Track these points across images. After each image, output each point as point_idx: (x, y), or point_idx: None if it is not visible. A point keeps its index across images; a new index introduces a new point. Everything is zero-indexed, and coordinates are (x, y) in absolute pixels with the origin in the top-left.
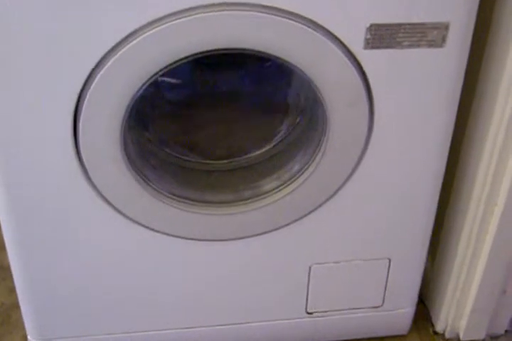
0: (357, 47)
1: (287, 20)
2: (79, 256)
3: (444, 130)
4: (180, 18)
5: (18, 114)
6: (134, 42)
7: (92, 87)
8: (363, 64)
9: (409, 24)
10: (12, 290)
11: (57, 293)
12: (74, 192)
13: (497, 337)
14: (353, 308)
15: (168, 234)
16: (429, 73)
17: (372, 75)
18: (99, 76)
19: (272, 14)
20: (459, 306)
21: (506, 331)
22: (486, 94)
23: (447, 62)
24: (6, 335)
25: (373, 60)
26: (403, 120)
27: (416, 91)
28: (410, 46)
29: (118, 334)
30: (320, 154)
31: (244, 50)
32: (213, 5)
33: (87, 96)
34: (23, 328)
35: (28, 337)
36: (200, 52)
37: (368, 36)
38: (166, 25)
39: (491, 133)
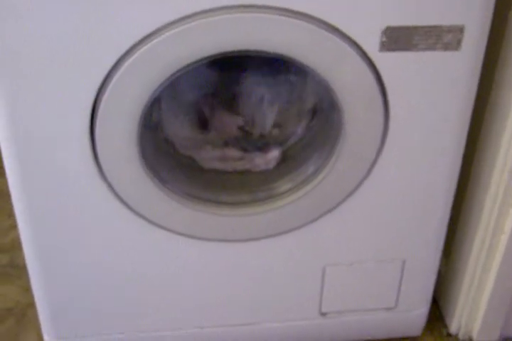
0: (372, 49)
1: (304, 22)
2: (94, 255)
3: (458, 133)
4: (200, 19)
5: (35, 113)
6: (153, 42)
7: (109, 87)
8: (378, 66)
9: (424, 27)
10: (27, 289)
11: (73, 292)
12: (90, 192)
13: (511, 338)
14: (367, 309)
15: (182, 235)
16: (445, 76)
17: (388, 78)
18: (116, 76)
19: (288, 16)
20: (472, 307)
21: None
22: (501, 98)
23: (462, 65)
24: (21, 334)
25: (389, 63)
26: (418, 123)
27: (431, 94)
28: (426, 49)
29: (133, 333)
30: (335, 156)
31: (261, 52)
32: (230, 7)
33: (105, 97)
34: (39, 327)
35: (44, 335)
36: (219, 54)
37: (384, 39)
38: (185, 26)
39: (505, 137)
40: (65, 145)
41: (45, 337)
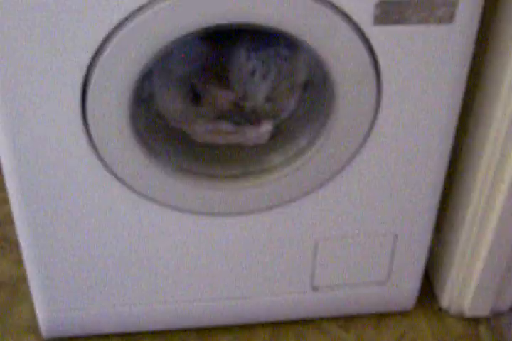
0: (365, 23)
1: None
2: (86, 229)
3: (451, 106)
4: None
5: (26, 88)
6: (142, 16)
7: (100, 61)
8: (371, 40)
9: (417, 0)
10: (19, 262)
11: (65, 266)
12: (82, 166)
13: (502, 314)
14: (358, 283)
15: (174, 208)
16: (438, 50)
17: (381, 51)
18: (108, 49)
19: None
20: (464, 283)
21: (511, 308)
22: (495, 72)
23: (456, 38)
24: (14, 307)
25: (381, 36)
26: (411, 96)
27: (424, 68)
28: (419, 22)
29: (124, 307)
30: (327, 130)
31: (252, 24)
32: None
33: (96, 70)
34: (31, 300)
35: (36, 309)
36: (209, 27)
37: (377, 12)
38: None
39: (498, 111)
40: (56, 121)
41: (38, 310)
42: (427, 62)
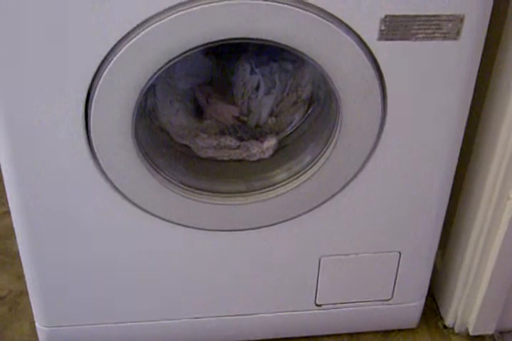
0: (371, 38)
1: (301, 10)
2: (87, 242)
3: (457, 124)
4: (193, 7)
5: (29, 97)
6: (148, 29)
7: (104, 74)
8: (376, 55)
9: (424, 16)
10: (20, 277)
11: (66, 281)
12: (83, 179)
13: (507, 332)
14: (362, 301)
15: (177, 224)
16: (443, 66)
17: (386, 67)
18: (112, 62)
19: (286, 4)
20: (468, 300)
21: None
22: (500, 88)
23: (461, 54)
24: (14, 322)
25: (387, 52)
26: (416, 113)
27: (429, 84)
28: (425, 38)
29: (126, 323)
30: (331, 146)
31: (258, 40)
32: None
33: (100, 83)
34: (31, 315)
35: (36, 324)
36: (215, 42)
37: (383, 27)
38: (181, 13)
39: (504, 128)
40: (59, 133)
41: (38, 325)
42: (432, 78)
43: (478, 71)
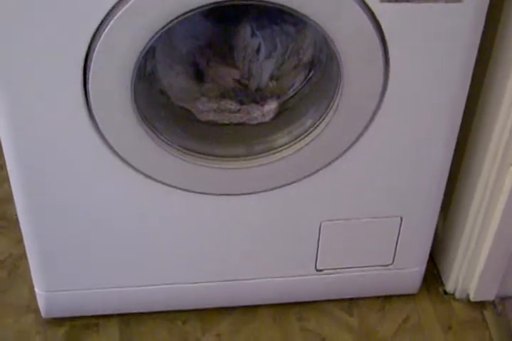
0: (374, 0)
1: None
2: (86, 208)
3: (460, 87)
4: None
5: (27, 64)
6: None
7: (102, 36)
8: (379, 18)
9: None
10: (19, 241)
11: (64, 245)
12: (83, 143)
13: (508, 298)
14: (363, 266)
15: (177, 188)
16: (446, 29)
17: (389, 30)
18: (110, 24)
19: None
20: (469, 266)
21: None
22: (505, 50)
23: (465, 17)
24: (13, 286)
25: (390, 14)
26: (418, 76)
27: (432, 47)
28: (428, 1)
29: (124, 288)
30: (333, 110)
31: (258, 1)
32: None
33: (98, 45)
34: (31, 279)
35: (35, 288)
36: (214, 3)
37: None
38: None
39: (507, 92)
40: (57, 97)
41: (36, 289)
42: (435, 41)
43: (482, 34)
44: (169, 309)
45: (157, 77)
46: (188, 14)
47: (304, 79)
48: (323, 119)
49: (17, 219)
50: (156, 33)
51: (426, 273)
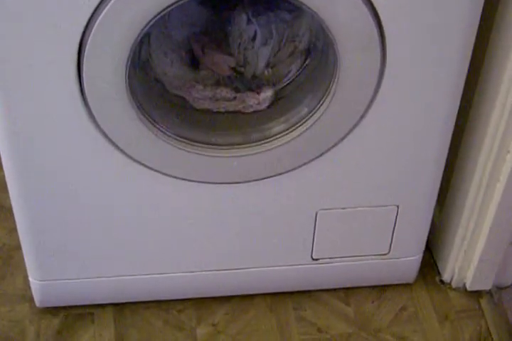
0: None
1: None
2: (81, 196)
3: (457, 74)
4: None
5: (21, 53)
6: None
7: (96, 24)
8: (375, 4)
9: None
10: (13, 230)
11: (59, 234)
12: (78, 132)
13: (504, 287)
14: (359, 255)
15: (173, 177)
16: (444, 15)
17: (385, 16)
18: (104, 11)
19: None
20: (466, 256)
21: None
22: (503, 38)
23: (463, 5)
24: (7, 276)
25: (387, 1)
26: (416, 64)
27: (430, 34)
28: None
29: (119, 277)
30: (329, 98)
31: None
32: None
33: (92, 33)
34: (25, 269)
35: (29, 278)
36: None
37: None
38: None
39: (504, 82)
40: (51, 84)
41: (31, 279)
42: (432, 28)
43: (480, 20)
44: (164, 298)
45: (152, 65)
46: (183, 1)
47: (300, 67)
48: (320, 107)
49: (11, 208)
50: (151, 19)
51: (422, 263)
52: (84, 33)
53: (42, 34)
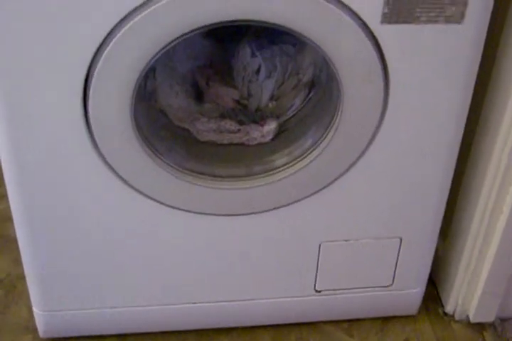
0: (374, 21)
1: None
2: (85, 228)
3: (459, 108)
4: None
5: (27, 84)
6: (147, 11)
7: (102, 57)
8: (379, 39)
9: None
10: (18, 261)
11: (63, 265)
12: (83, 163)
13: (507, 319)
14: (362, 287)
15: (177, 208)
16: (447, 50)
17: (389, 50)
18: (110, 46)
19: None
20: (469, 287)
21: None
22: (504, 72)
23: (465, 38)
24: (11, 306)
25: (390, 35)
26: (418, 97)
27: (432, 68)
28: (428, 22)
29: (122, 308)
30: (333, 130)
31: (257, 22)
32: None
33: (98, 65)
34: (29, 299)
35: (33, 308)
36: (214, 24)
37: (386, 10)
38: None
39: (507, 113)
40: (57, 117)
41: (35, 309)
42: (435, 62)
43: (482, 56)
44: (167, 329)
45: (157, 97)
46: (188, 35)
47: (304, 99)
48: (323, 140)
49: (16, 238)
50: (156, 53)
51: (425, 294)
52: (90, 65)
53: (48, 68)
